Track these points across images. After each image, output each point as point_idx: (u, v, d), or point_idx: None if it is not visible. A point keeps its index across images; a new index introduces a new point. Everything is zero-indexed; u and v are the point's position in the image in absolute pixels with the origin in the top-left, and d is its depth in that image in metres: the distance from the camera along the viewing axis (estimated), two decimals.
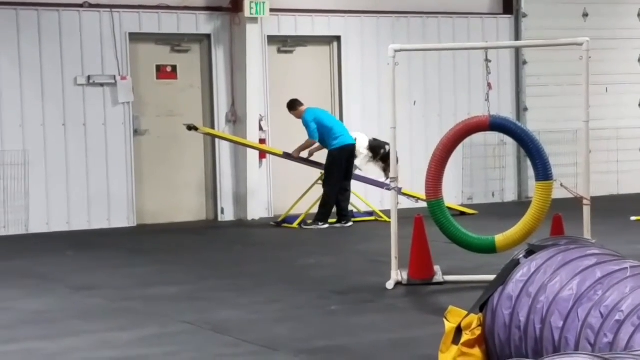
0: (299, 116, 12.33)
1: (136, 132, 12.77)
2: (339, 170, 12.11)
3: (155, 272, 8.97)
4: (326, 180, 12.16)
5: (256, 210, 13.12)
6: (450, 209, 8.35)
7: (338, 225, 12.13)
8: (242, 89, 13.09)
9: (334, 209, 12.23)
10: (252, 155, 13.12)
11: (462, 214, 12.62)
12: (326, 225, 12.05)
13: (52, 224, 12.16)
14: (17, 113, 12.01)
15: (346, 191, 12.35)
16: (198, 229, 12.21)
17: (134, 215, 12.62)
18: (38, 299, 7.52)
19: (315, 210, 12.26)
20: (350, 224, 12.18)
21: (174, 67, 13.08)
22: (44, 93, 12.15)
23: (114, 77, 12.47)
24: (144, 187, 12.84)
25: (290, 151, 12.48)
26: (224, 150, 13.19)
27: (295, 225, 12.08)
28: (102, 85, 12.44)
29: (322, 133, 12.16)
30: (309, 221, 12.08)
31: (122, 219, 12.54)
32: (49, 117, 12.18)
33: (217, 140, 13.15)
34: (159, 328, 6.36)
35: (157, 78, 13.01)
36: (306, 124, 12.19)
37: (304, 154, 12.56)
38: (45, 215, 12.14)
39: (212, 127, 13.17)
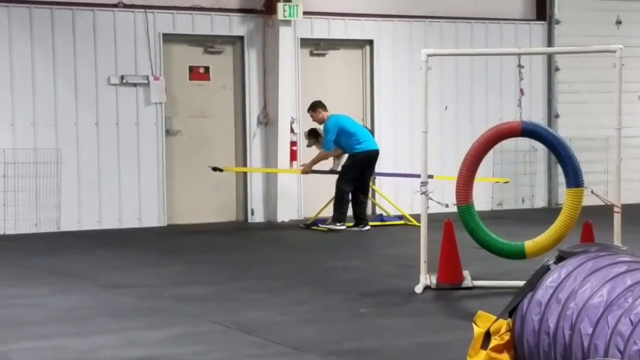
0: (319, 119, 12.30)
1: (168, 133, 12.84)
2: (355, 172, 12.05)
3: (184, 271, 9.01)
4: (340, 178, 12.11)
5: (286, 212, 13.15)
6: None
7: (356, 229, 12.08)
8: (274, 91, 13.13)
9: (350, 213, 12.16)
10: (283, 157, 13.15)
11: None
12: (344, 227, 12.01)
13: (83, 222, 12.26)
14: (50, 112, 12.12)
15: (365, 196, 12.29)
16: (228, 230, 12.26)
17: (165, 215, 12.69)
18: (69, 297, 7.59)
19: (349, 212, 12.27)
20: (367, 227, 12.12)
21: (207, 69, 13.15)
22: (78, 92, 12.26)
23: (147, 77, 12.55)
24: (174, 187, 12.92)
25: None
26: (254, 151, 13.23)
27: (321, 228, 12.04)
28: (135, 85, 12.53)
29: (345, 139, 12.10)
30: (327, 222, 12.07)
31: (152, 219, 12.62)
32: (82, 116, 12.28)
33: (248, 141, 13.20)
34: (188, 327, 6.39)
35: (190, 79, 13.08)
36: (326, 132, 12.15)
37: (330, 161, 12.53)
38: (76, 213, 12.24)
39: (244, 129, 13.23)
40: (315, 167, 12.46)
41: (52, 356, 5.51)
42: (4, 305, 7.16)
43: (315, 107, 12.38)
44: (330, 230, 11.91)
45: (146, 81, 12.55)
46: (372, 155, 12.19)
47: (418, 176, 12.03)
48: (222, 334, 6.20)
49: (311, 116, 12.43)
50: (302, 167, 12.54)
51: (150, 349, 5.74)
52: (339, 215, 12.04)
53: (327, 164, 12.66)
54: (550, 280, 4.08)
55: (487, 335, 4.23)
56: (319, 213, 12.60)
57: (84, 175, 12.28)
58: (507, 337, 4.15)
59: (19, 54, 11.96)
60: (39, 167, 12.03)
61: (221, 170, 12.38)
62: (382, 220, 12.67)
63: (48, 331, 6.26)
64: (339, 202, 12.06)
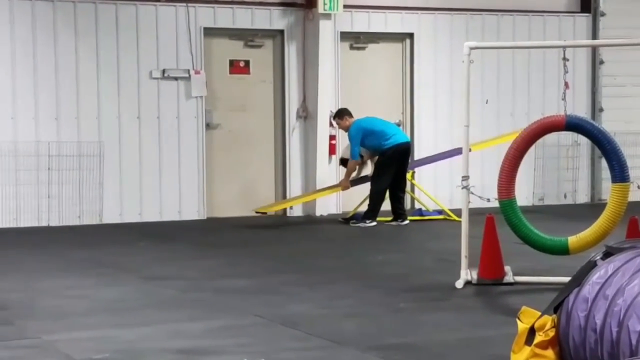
0: (344, 127, 12.23)
1: (208, 126, 12.90)
2: (389, 169, 11.95)
3: (225, 264, 9.06)
4: (374, 179, 12.04)
5: (324, 206, 13.16)
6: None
7: (394, 223, 12.04)
8: (313, 85, 13.14)
9: (389, 207, 12.09)
10: (322, 151, 13.16)
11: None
12: (374, 223, 11.94)
13: (125, 214, 12.36)
14: (93, 105, 12.23)
15: (402, 192, 12.22)
16: (267, 224, 12.29)
17: (204, 208, 12.76)
18: (113, 288, 7.66)
19: (385, 207, 12.25)
20: (406, 222, 12.07)
21: (247, 62, 13.18)
22: (120, 86, 12.35)
23: (188, 71, 12.61)
24: (214, 180, 12.98)
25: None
26: (294, 145, 13.25)
27: (351, 225, 12.02)
28: (176, 79, 12.60)
29: (372, 139, 11.98)
30: (358, 220, 11.99)
31: (192, 212, 12.69)
32: (124, 109, 12.38)
33: (287, 135, 13.23)
34: (229, 320, 6.42)
35: (230, 73, 13.12)
36: (350, 139, 12.07)
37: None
38: (118, 206, 12.34)
39: (283, 122, 13.25)
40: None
41: (98, 346, 5.57)
42: (51, 296, 7.25)
43: (343, 114, 12.29)
44: (359, 226, 11.86)
45: (187, 75, 12.61)
46: (403, 149, 12.07)
47: (454, 154, 12.11)
48: (263, 326, 6.23)
49: (337, 123, 12.37)
50: (340, 185, 12.40)
51: (193, 340, 5.78)
52: (369, 213, 11.99)
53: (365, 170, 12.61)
54: (597, 277, 4.04)
55: (532, 331, 4.20)
56: (357, 207, 12.59)
57: (125, 169, 12.38)
58: (552, 334, 4.12)
59: (64, 48, 12.07)
60: (82, 160, 12.14)
61: (265, 213, 12.20)
62: (422, 215, 12.62)
63: (93, 322, 6.33)
64: (372, 201, 12.02)
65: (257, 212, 12.07)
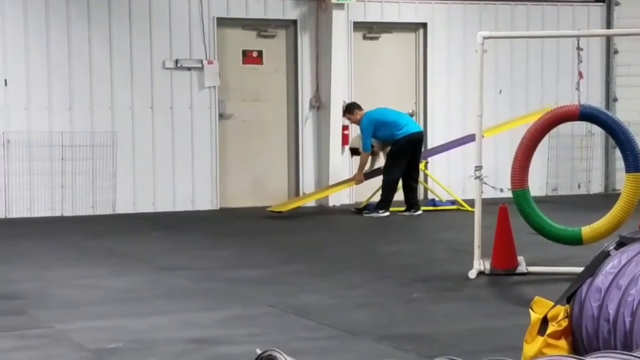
0: (355, 121, 12.19)
1: (221, 116, 12.91)
2: (401, 159, 11.90)
3: (237, 255, 9.07)
4: (387, 170, 12.00)
5: (337, 197, 13.15)
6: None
7: (407, 213, 12.01)
8: (326, 75, 13.12)
9: (402, 197, 12.08)
10: (335, 141, 13.15)
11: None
12: (387, 214, 11.90)
13: (138, 205, 12.38)
14: (106, 95, 12.25)
15: (415, 182, 12.17)
16: (280, 214, 12.28)
17: (217, 199, 12.77)
18: (125, 278, 7.68)
19: (397, 197, 12.24)
20: (419, 212, 12.03)
21: (260, 52, 13.17)
22: (133, 76, 12.37)
23: (201, 61, 12.62)
24: (227, 170, 12.99)
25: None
26: (307, 135, 13.25)
27: (364, 215, 12.01)
28: (189, 69, 12.60)
29: (384, 130, 11.93)
30: (371, 210, 11.97)
31: (205, 202, 12.71)
32: (137, 99, 12.39)
33: (300, 125, 13.23)
34: (241, 310, 6.43)
35: (243, 63, 13.12)
36: (362, 132, 12.03)
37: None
38: (131, 196, 12.37)
39: (296, 113, 13.25)
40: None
41: (111, 336, 5.58)
42: (64, 286, 7.27)
43: (352, 108, 12.25)
44: (372, 217, 11.84)
45: (200, 65, 12.61)
46: (416, 139, 12.03)
47: (467, 141, 12.06)
48: (275, 316, 6.23)
49: (348, 119, 12.36)
50: (354, 180, 12.36)
51: (206, 330, 5.79)
52: (382, 203, 11.94)
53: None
54: (610, 267, 4.03)
55: (545, 322, 4.19)
56: (370, 198, 12.58)
57: (138, 159, 12.40)
58: (565, 324, 4.10)
59: (77, 38, 12.09)
60: (95, 150, 12.17)
61: (280, 213, 12.08)
62: (435, 205, 12.60)
63: (106, 311, 6.35)
64: (385, 191, 12.00)
65: (271, 212, 12.04)
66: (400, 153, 11.95)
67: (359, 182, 12.32)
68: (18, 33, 11.86)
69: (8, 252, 9.11)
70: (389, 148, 12.11)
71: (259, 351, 2.28)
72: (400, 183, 12.13)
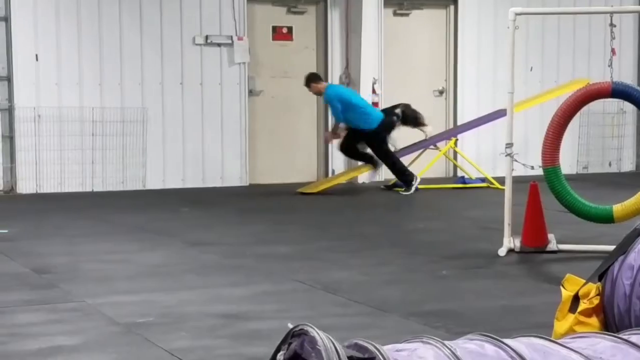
0: (317, 91, 11.95)
1: (251, 93, 12.92)
2: (385, 141, 11.86)
3: (266, 231, 9.09)
4: (382, 157, 11.87)
5: (367, 173, 13.14)
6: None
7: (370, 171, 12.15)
8: (356, 51, 13.08)
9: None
10: None
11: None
12: (417, 181, 11.80)
13: (168, 180, 12.45)
14: (137, 71, 12.29)
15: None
16: (306, 191, 12.29)
17: (247, 175, 12.81)
18: (155, 253, 7.73)
19: (426, 175, 12.21)
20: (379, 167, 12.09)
21: (290, 29, 13.16)
22: (163, 52, 12.40)
23: (231, 37, 12.62)
24: (256, 147, 13.02)
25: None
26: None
27: (402, 192, 12.02)
28: (219, 45, 12.62)
29: (356, 114, 11.68)
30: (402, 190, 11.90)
31: (234, 178, 12.75)
32: (167, 75, 12.43)
33: None
34: (271, 285, 6.45)
35: (273, 39, 13.11)
36: (330, 101, 11.75)
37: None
38: (161, 172, 12.43)
39: None
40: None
41: (141, 310, 5.62)
42: (95, 261, 7.33)
43: (317, 79, 11.98)
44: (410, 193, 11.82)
45: (230, 41, 12.62)
46: (386, 124, 11.84)
47: (497, 117, 11.96)
48: (304, 292, 6.24)
49: (311, 91, 12.05)
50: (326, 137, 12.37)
51: (235, 305, 5.81)
52: (403, 176, 11.84)
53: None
54: None
55: (576, 299, 4.16)
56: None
57: (168, 135, 12.46)
58: (596, 301, 4.07)
59: (107, 14, 12.13)
60: (125, 125, 12.23)
61: (308, 193, 12.00)
62: (464, 183, 12.56)
63: (136, 286, 6.39)
64: (395, 168, 11.87)
65: (302, 193, 12.05)
66: (384, 140, 11.84)
67: (328, 140, 12.38)
68: (49, 9, 11.91)
69: (39, 226, 9.20)
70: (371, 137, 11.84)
71: (290, 326, 2.28)
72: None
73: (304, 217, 10.05)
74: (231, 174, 12.77)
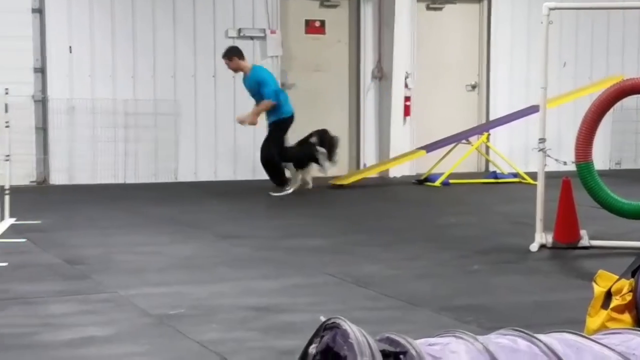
0: (237, 67, 11.11)
1: (283, 86, 12.93)
2: (284, 139, 11.22)
3: (297, 224, 9.10)
4: (271, 145, 11.14)
5: (398, 168, 13.12)
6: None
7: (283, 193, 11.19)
8: (389, 46, 13.06)
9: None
10: (397, 112, 13.10)
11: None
12: (290, 189, 11.18)
13: (200, 173, 12.50)
14: (170, 63, 12.34)
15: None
16: (338, 184, 12.29)
17: None
18: (187, 245, 7.77)
19: (458, 170, 12.17)
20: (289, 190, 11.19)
21: (323, 22, 13.15)
22: (196, 44, 12.44)
23: (264, 30, 12.64)
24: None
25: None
26: (368, 105, 13.22)
27: (437, 182, 12.02)
28: (252, 38, 12.64)
29: (269, 95, 10.98)
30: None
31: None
32: (200, 68, 12.47)
33: (361, 95, 13.20)
34: (302, 278, 6.46)
35: (306, 32, 13.11)
36: (263, 82, 10.96)
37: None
38: (193, 164, 12.48)
39: (358, 83, 13.22)
40: None
41: (172, 302, 5.65)
42: (127, 252, 7.37)
43: (239, 54, 11.05)
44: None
45: (263, 34, 12.64)
46: (291, 122, 11.24)
47: (530, 113, 11.90)
48: (335, 285, 6.25)
49: (229, 65, 11.17)
50: (244, 120, 11.21)
51: (266, 298, 5.83)
52: (280, 181, 11.21)
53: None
54: None
55: (608, 295, 4.14)
56: (432, 169, 12.53)
57: (200, 127, 12.50)
58: (629, 298, 4.05)
59: (141, 6, 12.19)
60: (158, 118, 12.29)
61: (342, 186, 11.80)
62: (496, 178, 12.51)
63: (168, 278, 6.43)
64: (274, 170, 11.20)
65: (333, 185, 12.05)
66: (284, 132, 11.19)
67: (251, 123, 11.19)
68: (83, 1, 11.98)
69: (72, 218, 9.27)
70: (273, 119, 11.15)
71: (322, 319, 2.29)
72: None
73: (335, 211, 10.05)
74: (258, 166, 12.77)
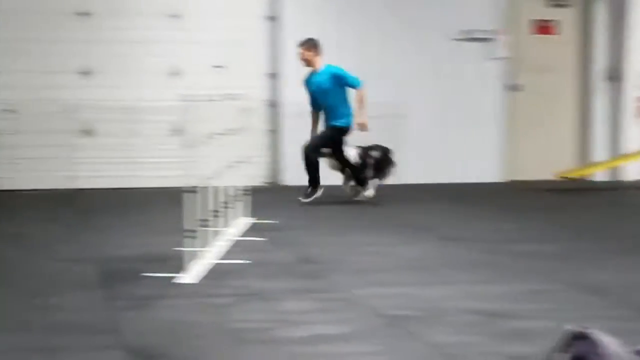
0: (309, 60, 10.43)
1: (511, 88, 12.77)
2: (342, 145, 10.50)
3: (524, 228, 8.97)
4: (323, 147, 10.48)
5: (635, 171, 12.64)
6: None
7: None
8: (620, 46, 12.61)
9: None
10: (629, 115, 12.65)
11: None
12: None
13: (425, 175, 12.53)
14: (394, 65, 12.41)
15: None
16: (570, 188, 12.00)
17: (505, 171, 12.68)
18: (412, 247, 7.84)
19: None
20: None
21: (552, 22, 12.88)
22: (422, 46, 12.47)
23: (492, 31, 12.52)
24: (515, 142, 12.85)
25: None
26: (598, 107, 12.83)
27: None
28: (478, 39, 12.54)
29: (337, 99, 10.36)
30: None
31: (493, 174, 12.66)
32: (425, 70, 12.50)
33: (591, 97, 12.83)
34: (528, 285, 6.35)
35: (534, 33, 12.88)
36: (343, 73, 10.33)
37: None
38: (418, 166, 12.54)
39: (587, 84, 12.85)
40: None
41: (401, 303, 5.72)
42: (354, 253, 7.53)
43: (310, 46, 10.45)
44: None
45: (490, 36, 12.52)
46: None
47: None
48: (565, 293, 6.10)
49: (300, 53, 10.51)
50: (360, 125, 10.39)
51: (492, 303, 5.79)
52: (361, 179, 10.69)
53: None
54: None
55: None
56: None
57: (426, 129, 12.54)
58: None
59: (371, 11, 12.37)
60: (384, 120, 12.41)
61: (569, 179, 11.67)
62: None
63: (392, 279, 6.51)
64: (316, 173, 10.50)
65: (561, 178, 11.80)
66: (343, 139, 10.49)
67: (364, 127, 10.35)
68: (317, 8, 12.29)
69: (304, 217, 9.57)
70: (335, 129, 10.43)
71: (569, 328, 2.27)
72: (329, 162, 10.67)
73: (562, 216, 9.81)
74: (489, 170, 12.67)
